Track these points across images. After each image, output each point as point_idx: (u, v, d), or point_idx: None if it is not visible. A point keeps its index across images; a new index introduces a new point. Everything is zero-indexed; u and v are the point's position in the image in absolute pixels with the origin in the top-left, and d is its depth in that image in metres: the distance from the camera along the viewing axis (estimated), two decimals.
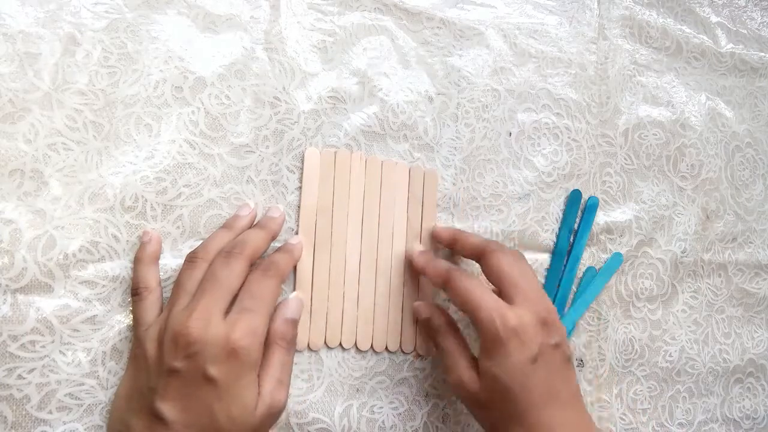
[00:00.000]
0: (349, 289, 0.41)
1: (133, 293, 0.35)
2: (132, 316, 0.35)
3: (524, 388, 0.33)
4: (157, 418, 0.30)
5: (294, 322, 0.36)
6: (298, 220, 0.40)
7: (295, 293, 0.38)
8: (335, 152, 0.41)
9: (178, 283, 0.34)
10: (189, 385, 0.30)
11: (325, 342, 0.40)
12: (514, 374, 0.33)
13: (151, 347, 0.32)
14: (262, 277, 0.34)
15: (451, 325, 0.39)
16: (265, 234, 0.37)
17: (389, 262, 0.42)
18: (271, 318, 0.35)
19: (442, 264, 0.39)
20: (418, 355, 0.42)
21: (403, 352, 0.42)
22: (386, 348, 0.41)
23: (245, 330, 0.31)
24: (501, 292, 0.36)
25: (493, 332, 0.34)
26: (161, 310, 0.35)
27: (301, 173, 0.41)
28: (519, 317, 0.34)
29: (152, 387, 0.31)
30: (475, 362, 0.36)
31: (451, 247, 0.42)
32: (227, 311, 0.32)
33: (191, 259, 0.35)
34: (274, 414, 0.32)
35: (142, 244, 0.36)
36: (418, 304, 0.41)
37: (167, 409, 0.30)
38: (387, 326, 0.41)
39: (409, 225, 0.43)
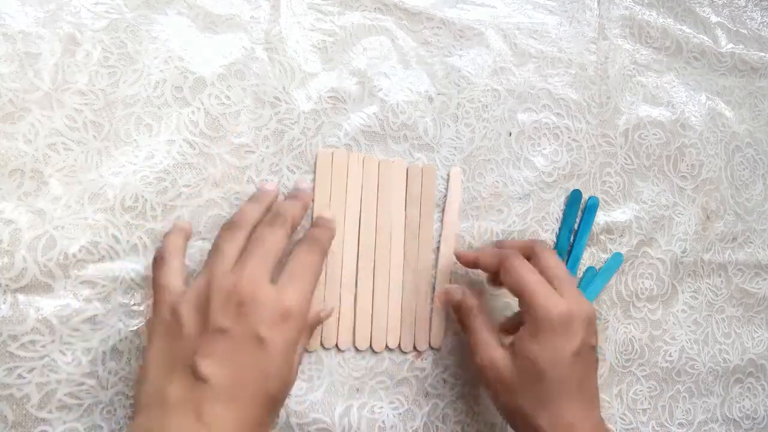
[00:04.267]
0: (346, 289, 0.41)
1: (157, 259, 0.34)
2: (153, 284, 0.33)
3: (560, 378, 0.34)
4: (198, 377, 0.29)
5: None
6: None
7: None
8: (332, 152, 0.41)
9: (216, 249, 0.33)
10: (236, 344, 0.30)
11: (321, 342, 0.40)
12: (554, 361, 0.34)
13: (187, 309, 0.31)
14: (308, 251, 0.35)
15: (481, 308, 0.40)
16: (300, 203, 0.37)
17: (387, 261, 0.42)
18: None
19: (497, 249, 0.40)
20: (419, 354, 0.42)
21: (403, 351, 0.42)
22: (386, 347, 0.41)
23: (297, 295, 0.32)
24: (552, 286, 0.37)
25: (545, 317, 0.35)
26: (185, 280, 0.34)
27: (302, 173, 0.41)
28: (570, 310, 0.35)
29: (191, 348, 0.30)
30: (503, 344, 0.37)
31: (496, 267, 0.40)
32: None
33: (229, 227, 0.34)
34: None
35: (173, 224, 0.37)
36: (449, 287, 0.41)
37: (209, 366, 0.29)
38: (386, 325, 0.41)
39: (408, 223, 0.43)
